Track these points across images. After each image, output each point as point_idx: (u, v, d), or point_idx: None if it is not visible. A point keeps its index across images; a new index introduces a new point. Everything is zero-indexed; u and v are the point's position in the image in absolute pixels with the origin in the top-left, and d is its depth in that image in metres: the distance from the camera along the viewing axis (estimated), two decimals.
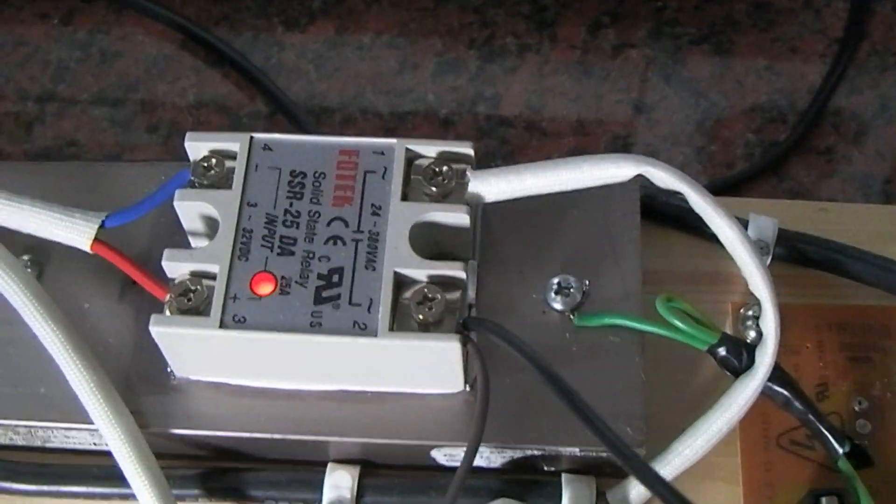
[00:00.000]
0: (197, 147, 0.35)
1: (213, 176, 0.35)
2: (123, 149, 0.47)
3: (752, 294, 0.34)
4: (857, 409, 0.37)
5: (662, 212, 0.40)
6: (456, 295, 0.33)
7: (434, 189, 0.34)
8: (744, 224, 0.38)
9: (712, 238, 0.35)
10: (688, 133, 0.47)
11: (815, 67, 0.48)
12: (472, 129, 0.47)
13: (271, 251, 0.34)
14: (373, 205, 0.34)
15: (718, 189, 0.46)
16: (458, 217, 0.34)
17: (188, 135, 0.35)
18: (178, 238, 0.36)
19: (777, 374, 0.34)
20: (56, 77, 0.49)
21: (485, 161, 0.44)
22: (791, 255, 0.39)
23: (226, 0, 0.50)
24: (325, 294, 0.33)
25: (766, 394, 0.34)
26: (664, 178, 0.34)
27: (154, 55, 0.49)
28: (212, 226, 0.35)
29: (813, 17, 0.50)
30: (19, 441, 0.37)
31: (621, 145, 0.46)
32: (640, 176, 0.34)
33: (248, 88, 0.48)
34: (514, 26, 0.50)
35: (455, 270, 0.33)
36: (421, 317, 0.32)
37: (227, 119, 0.48)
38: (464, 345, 0.33)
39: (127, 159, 0.47)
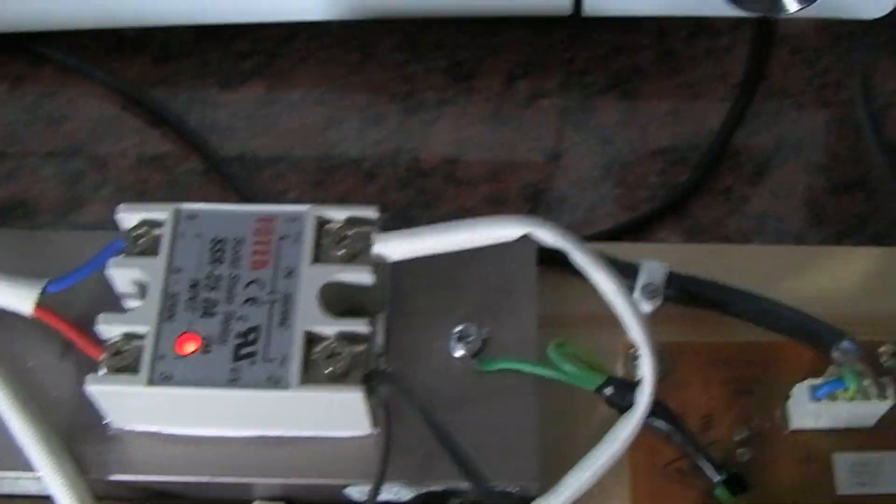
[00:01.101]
0: (129, 217, 0.38)
1: (142, 244, 0.38)
2: (73, 206, 0.50)
3: None
4: (737, 438, 0.40)
5: (562, 258, 0.43)
6: (363, 347, 0.36)
7: (342, 251, 0.37)
8: (636, 268, 0.41)
9: None
10: (595, 178, 0.49)
11: (716, 111, 0.51)
12: (393, 180, 0.49)
13: (194, 313, 0.37)
14: (286, 267, 0.37)
15: (623, 230, 0.48)
16: (363, 277, 0.37)
17: (119, 207, 0.38)
18: (114, 299, 0.39)
19: (659, 410, 0.37)
20: (6, 140, 0.51)
21: (404, 211, 0.46)
22: (681, 296, 0.42)
23: (165, 63, 0.53)
24: (242, 351, 0.36)
25: (649, 428, 0.37)
26: (547, 237, 0.37)
27: (98, 117, 0.52)
28: (143, 289, 0.38)
29: (714, 63, 0.52)
30: None
31: (532, 192, 0.49)
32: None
33: (185, 147, 0.50)
34: (432, 80, 0.52)
35: (360, 326, 0.36)
36: (329, 370, 0.35)
37: (166, 176, 0.50)
38: (368, 395, 0.36)
39: (76, 217, 0.49)
